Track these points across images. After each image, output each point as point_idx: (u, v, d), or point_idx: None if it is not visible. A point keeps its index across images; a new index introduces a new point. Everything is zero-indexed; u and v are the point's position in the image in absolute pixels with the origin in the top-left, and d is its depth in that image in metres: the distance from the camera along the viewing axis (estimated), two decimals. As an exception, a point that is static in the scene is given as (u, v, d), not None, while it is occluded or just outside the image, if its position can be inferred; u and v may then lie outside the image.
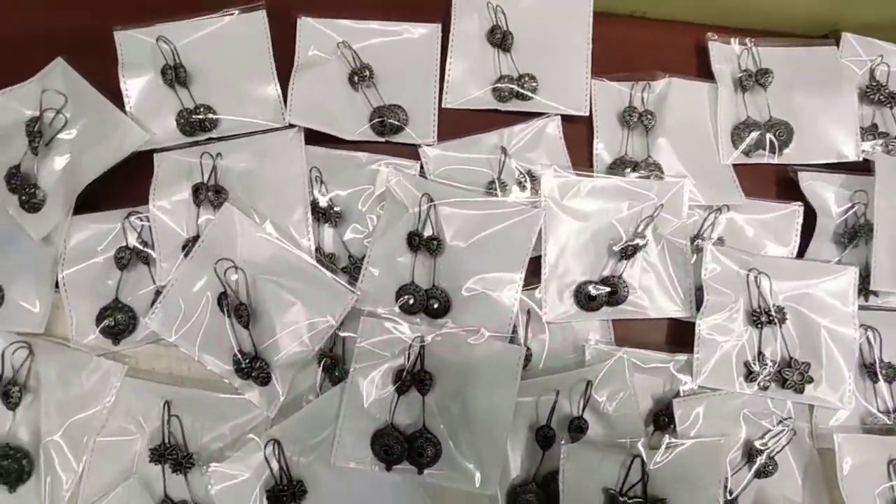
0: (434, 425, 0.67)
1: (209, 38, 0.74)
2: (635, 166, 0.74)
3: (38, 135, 0.69)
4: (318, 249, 0.71)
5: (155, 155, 0.71)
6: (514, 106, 0.75)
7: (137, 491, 0.67)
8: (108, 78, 0.71)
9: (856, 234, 0.74)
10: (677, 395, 0.69)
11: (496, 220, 0.70)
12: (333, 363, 0.69)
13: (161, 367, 0.70)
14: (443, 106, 0.75)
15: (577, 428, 0.67)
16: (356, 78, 0.74)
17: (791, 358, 0.70)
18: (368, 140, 0.74)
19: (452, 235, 0.70)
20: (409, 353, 0.67)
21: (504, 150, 0.73)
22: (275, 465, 0.66)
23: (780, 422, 0.69)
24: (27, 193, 0.68)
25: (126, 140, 0.70)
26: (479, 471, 0.66)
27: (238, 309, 0.66)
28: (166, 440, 0.67)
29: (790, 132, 0.76)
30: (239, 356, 0.66)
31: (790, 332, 0.70)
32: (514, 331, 0.69)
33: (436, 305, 0.69)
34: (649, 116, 0.76)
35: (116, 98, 0.71)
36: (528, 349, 0.69)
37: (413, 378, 0.67)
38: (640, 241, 0.71)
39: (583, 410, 0.68)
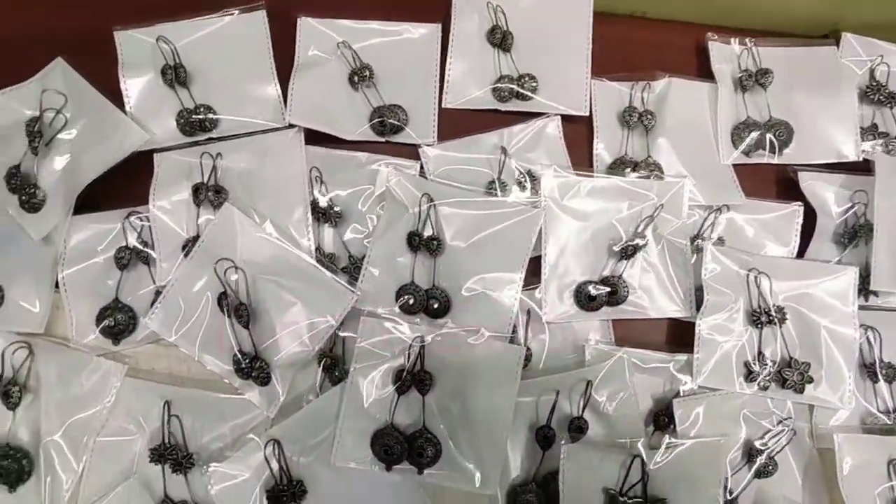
0: (434, 425, 0.67)
1: (209, 38, 0.74)
2: (635, 166, 0.74)
3: (38, 135, 0.69)
4: (318, 249, 0.71)
5: (155, 155, 0.71)
6: (514, 106, 0.75)
7: (137, 491, 0.67)
8: (108, 78, 0.71)
9: (856, 234, 0.74)
10: (677, 395, 0.69)
11: (496, 220, 0.70)
12: (333, 363, 0.69)
13: (161, 367, 0.70)
14: (443, 106, 0.75)
15: (577, 428, 0.67)
16: (356, 78, 0.74)
17: (791, 358, 0.70)
18: (368, 140, 0.74)
19: (452, 235, 0.70)
20: (409, 353, 0.67)
21: (504, 150, 0.73)
22: (275, 465, 0.66)
23: (780, 422, 0.69)
24: (27, 193, 0.68)
25: (126, 140, 0.70)
26: (479, 471, 0.66)
27: (238, 309, 0.66)
28: (166, 440, 0.67)
29: (790, 132, 0.76)
30: (239, 356, 0.66)
31: (790, 332, 0.70)
32: (514, 331, 0.69)
33: (436, 305, 0.69)
34: (649, 116, 0.76)
35: (116, 98, 0.71)
36: (528, 349, 0.69)
37: (413, 378, 0.67)
38: (640, 241, 0.71)
39: (583, 410, 0.68)
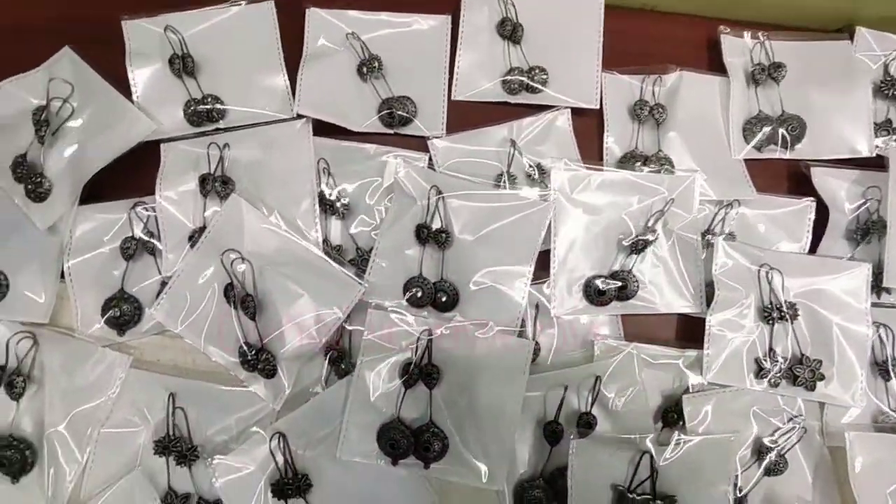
0: (441, 419, 0.67)
1: (217, 28, 0.74)
2: (646, 160, 0.73)
3: (44, 124, 0.69)
4: (326, 241, 0.70)
5: (162, 145, 0.71)
6: (524, 98, 0.75)
7: (141, 483, 0.67)
8: (115, 67, 0.71)
9: (868, 230, 0.73)
10: (687, 391, 0.69)
11: (505, 213, 0.69)
12: (340, 356, 0.69)
13: (166, 359, 0.70)
14: (452, 98, 0.74)
15: (585, 423, 0.67)
16: (365, 69, 0.74)
17: (802, 355, 0.69)
18: (377, 132, 0.73)
19: (461, 228, 0.70)
20: (416, 347, 0.67)
21: (513, 143, 0.73)
22: (280, 459, 0.66)
23: (791, 419, 0.69)
24: (33, 183, 0.68)
25: (133, 130, 0.69)
26: (487, 466, 0.65)
27: (244, 300, 0.66)
28: (171, 432, 0.67)
29: (803, 127, 0.75)
30: (245, 348, 0.66)
31: (802, 329, 0.70)
32: (523, 325, 0.69)
33: (444, 299, 0.68)
34: (660, 110, 0.75)
35: (124, 87, 0.71)
36: (537, 344, 0.69)
37: (420, 372, 0.66)
38: (650, 236, 0.70)
39: (591, 406, 0.67)
